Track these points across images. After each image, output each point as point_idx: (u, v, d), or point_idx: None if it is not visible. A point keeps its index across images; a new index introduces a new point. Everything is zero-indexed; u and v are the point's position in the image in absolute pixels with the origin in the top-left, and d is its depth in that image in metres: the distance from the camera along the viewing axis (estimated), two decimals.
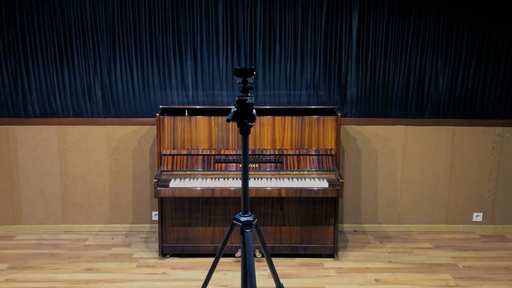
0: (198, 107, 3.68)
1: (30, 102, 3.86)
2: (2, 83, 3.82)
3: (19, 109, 3.87)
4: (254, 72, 2.11)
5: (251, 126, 2.10)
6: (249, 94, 2.09)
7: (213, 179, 3.38)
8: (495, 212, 4.07)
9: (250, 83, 2.12)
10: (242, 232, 2.11)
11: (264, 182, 3.33)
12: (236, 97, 2.06)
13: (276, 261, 3.42)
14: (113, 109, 3.88)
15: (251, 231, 2.12)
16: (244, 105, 2.05)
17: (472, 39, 3.79)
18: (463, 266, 3.44)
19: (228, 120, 2.02)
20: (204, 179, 3.38)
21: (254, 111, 2.08)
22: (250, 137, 3.46)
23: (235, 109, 2.07)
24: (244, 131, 2.10)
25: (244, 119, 2.07)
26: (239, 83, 2.12)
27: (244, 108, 2.05)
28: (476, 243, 3.85)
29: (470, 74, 3.85)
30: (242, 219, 2.14)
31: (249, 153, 3.23)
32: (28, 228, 4.03)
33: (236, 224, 2.15)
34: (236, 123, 2.10)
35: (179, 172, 3.44)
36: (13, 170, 3.94)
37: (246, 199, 2.14)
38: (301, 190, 3.26)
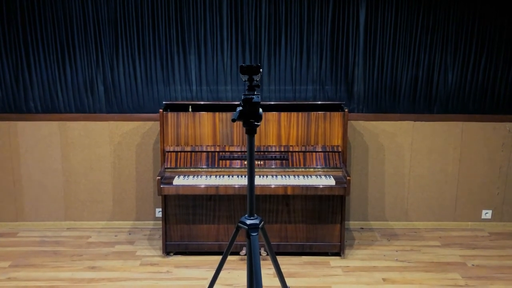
0: (202, 102, 3.61)
1: (32, 97, 3.80)
2: (3, 78, 3.77)
3: (21, 105, 3.81)
4: (261, 70, 2.04)
5: (257, 125, 2.02)
6: (255, 93, 2.02)
7: (218, 176, 3.32)
8: (504, 209, 3.99)
9: (256, 80, 2.05)
10: (248, 236, 2.05)
11: (269, 180, 3.26)
12: (242, 96, 1.99)
13: (281, 259, 3.37)
14: (116, 105, 3.82)
15: (257, 234, 2.06)
16: (250, 104, 1.98)
17: (482, 32, 3.69)
18: (472, 265, 3.38)
19: (233, 120, 1.95)
20: (208, 176, 3.32)
21: (260, 110, 2.01)
22: None
23: (240, 108, 1.99)
24: (250, 131, 2.03)
25: (250, 119, 2.00)
26: (245, 81, 2.05)
27: (250, 107, 1.98)
28: (485, 241, 3.78)
29: (480, 68, 3.76)
30: (248, 222, 2.07)
31: (254, 150, 3.16)
32: (31, 225, 3.99)
33: (241, 227, 2.09)
34: (242, 123, 2.03)
35: (182, 169, 3.38)
36: (15, 167, 3.90)
37: (252, 202, 2.08)
38: (307, 187, 3.20)
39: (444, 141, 3.88)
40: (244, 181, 3.26)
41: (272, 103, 3.58)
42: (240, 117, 1.99)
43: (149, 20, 3.67)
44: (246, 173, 3.20)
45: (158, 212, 3.96)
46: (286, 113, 3.43)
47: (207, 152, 3.42)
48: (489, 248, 3.65)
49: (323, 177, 3.31)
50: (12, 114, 3.82)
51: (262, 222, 2.13)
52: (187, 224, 3.48)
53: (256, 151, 3.40)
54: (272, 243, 3.40)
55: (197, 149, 3.43)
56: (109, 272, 3.26)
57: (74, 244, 3.70)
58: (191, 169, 3.39)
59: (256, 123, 2.01)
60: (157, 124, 3.79)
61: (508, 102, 3.81)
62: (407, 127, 3.85)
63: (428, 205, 4.00)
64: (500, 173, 3.93)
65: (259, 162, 3.39)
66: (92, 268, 3.32)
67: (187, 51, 3.72)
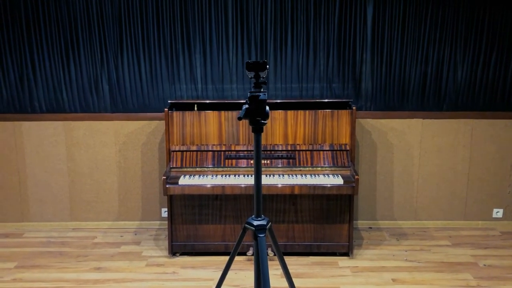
0: (207, 101, 3.56)
1: (36, 97, 3.78)
2: (8, 78, 3.74)
3: (25, 105, 3.79)
4: (268, 66, 1.99)
5: (264, 124, 1.97)
6: (261, 90, 1.97)
7: (224, 176, 3.28)
8: None
9: (263, 77, 2.00)
10: (255, 237, 2.00)
11: (276, 179, 3.22)
12: (248, 93, 1.94)
13: (289, 260, 3.32)
14: (121, 104, 3.79)
15: (264, 235, 2.01)
16: (256, 102, 1.93)
17: (493, 27, 3.62)
18: (484, 265, 3.31)
19: (239, 118, 1.90)
20: (214, 176, 3.28)
21: (267, 108, 1.96)
22: None
23: (246, 106, 1.95)
24: (257, 130, 1.98)
25: (256, 117, 1.95)
26: (251, 77, 2.00)
27: (256, 105, 1.93)
28: (497, 240, 3.71)
29: (490, 65, 3.69)
30: (255, 223, 2.02)
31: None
32: (36, 225, 3.97)
33: (248, 228, 2.04)
34: (248, 121, 1.98)
35: (188, 169, 3.34)
36: (20, 167, 3.87)
37: (259, 202, 2.03)
38: (314, 187, 3.15)
39: (453, 139, 3.81)
40: (250, 180, 3.21)
41: (279, 101, 3.53)
42: (247, 115, 1.94)
43: (153, 18, 3.63)
44: (252, 172, 3.16)
45: (164, 212, 3.93)
46: (293, 111, 3.38)
47: (213, 151, 3.38)
48: (501, 247, 3.58)
49: (330, 176, 3.26)
50: (17, 114, 3.80)
51: (270, 223, 2.08)
52: (193, 224, 3.44)
53: (262, 150, 3.34)
54: (279, 243, 3.36)
55: (202, 149, 3.39)
56: (115, 273, 3.23)
57: (79, 244, 3.68)
58: (197, 169, 3.35)
59: (262, 121, 1.96)
60: (162, 124, 3.75)
61: None
62: (416, 125, 3.79)
63: (438, 204, 3.93)
64: (511, 171, 3.85)
65: (265, 161, 3.35)
66: (98, 269, 3.29)
67: (192, 49, 3.68)
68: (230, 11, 3.61)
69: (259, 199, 2.05)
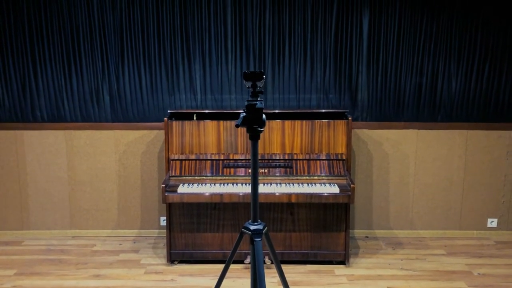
0: (206, 111, 3.63)
1: (38, 106, 3.84)
2: (11, 88, 3.81)
3: (27, 114, 3.85)
4: (264, 76, 2.06)
5: (261, 131, 2.04)
6: (258, 99, 2.04)
7: (222, 184, 3.33)
8: (510, 217, 3.97)
9: (260, 87, 2.06)
10: (252, 241, 2.05)
11: (273, 188, 3.27)
12: (245, 102, 2.01)
13: (286, 268, 3.36)
14: (121, 114, 3.85)
15: (261, 240, 2.06)
16: (253, 110, 1.99)
17: (486, 39, 3.70)
18: (478, 273, 3.35)
19: (237, 126, 1.97)
20: (213, 184, 3.33)
21: (264, 116, 2.02)
22: (259, 141, 3.40)
23: (244, 114, 2.01)
24: (254, 137, 2.05)
25: (253, 125, 2.01)
26: (248, 87, 2.07)
27: (253, 113, 1.99)
28: (491, 249, 3.75)
29: (484, 76, 3.77)
30: (252, 227, 2.08)
31: (258, 158, 3.17)
32: (36, 233, 4.01)
33: (245, 232, 2.09)
34: (245, 129, 2.04)
35: (187, 177, 3.39)
36: (21, 175, 3.92)
37: (255, 207, 2.08)
38: (311, 195, 3.20)
39: (448, 149, 3.87)
40: (248, 189, 3.26)
41: (276, 111, 3.59)
42: (244, 123, 2.00)
43: (154, 30, 3.71)
44: (250, 181, 3.20)
45: (163, 221, 3.97)
46: (290, 121, 3.44)
47: (212, 160, 3.44)
48: (495, 257, 3.62)
49: (327, 185, 3.31)
50: (19, 123, 3.86)
51: (266, 228, 2.13)
52: (191, 233, 3.48)
53: (260, 159, 3.41)
54: (276, 251, 3.40)
55: (201, 157, 3.44)
56: (114, 280, 3.27)
57: (79, 252, 3.71)
58: (196, 177, 3.40)
59: (259, 128, 2.03)
60: (162, 133, 3.82)
61: None
62: (411, 136, 3.85)
63: (433, 214, 3.98)
64: (505, 181, 3.91)
65: (263, 170, 3.40)
66: (97, 276, 3.32)
67: (192, 60, 3.76)
68: (229, 23, 3.70)
69: (256, 204, 2.10)
